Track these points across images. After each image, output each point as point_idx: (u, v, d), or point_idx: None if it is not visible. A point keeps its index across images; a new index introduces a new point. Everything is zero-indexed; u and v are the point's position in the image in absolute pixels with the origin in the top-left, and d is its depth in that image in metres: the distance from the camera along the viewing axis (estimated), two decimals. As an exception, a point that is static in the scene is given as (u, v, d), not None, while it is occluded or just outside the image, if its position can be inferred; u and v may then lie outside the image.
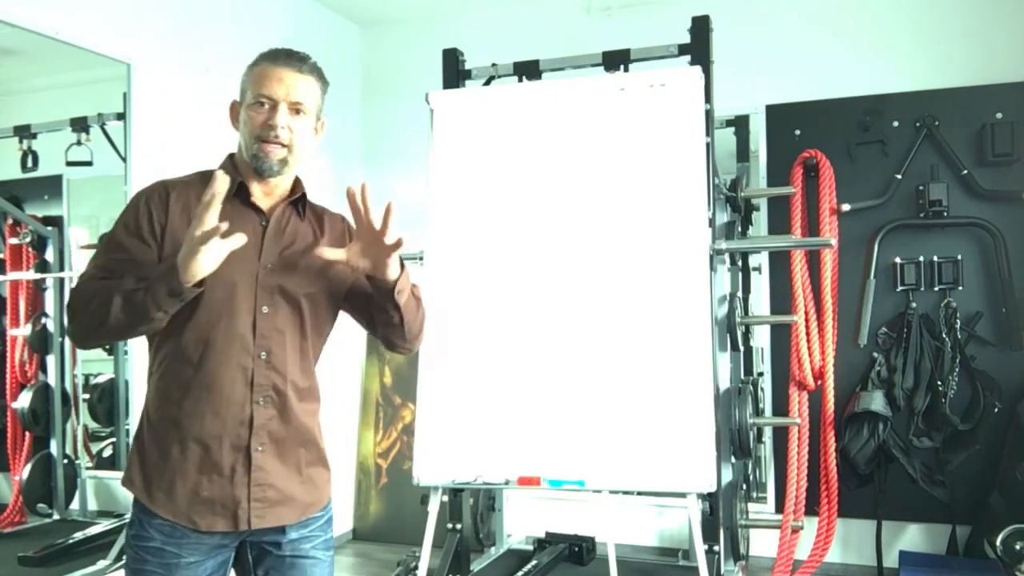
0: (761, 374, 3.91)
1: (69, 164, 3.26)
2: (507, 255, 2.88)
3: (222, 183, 1.39)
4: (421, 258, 2.95)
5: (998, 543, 3.23)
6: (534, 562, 3.37)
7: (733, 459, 3.22)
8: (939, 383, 3.51)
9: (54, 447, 3.34)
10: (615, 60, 3.11)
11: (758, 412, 3.70)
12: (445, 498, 3.15)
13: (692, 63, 2.95)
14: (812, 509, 3.62)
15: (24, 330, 3.30)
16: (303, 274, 1.62)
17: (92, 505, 3.41)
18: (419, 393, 2.88)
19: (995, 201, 3.54)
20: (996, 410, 3.45)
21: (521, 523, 3.95)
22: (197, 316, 1.52)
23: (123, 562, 3.00)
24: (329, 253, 1.57)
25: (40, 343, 3.33)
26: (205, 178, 1.61)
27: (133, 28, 3.19)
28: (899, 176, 3.64)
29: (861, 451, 3.50)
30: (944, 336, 3.54)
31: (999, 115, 3.54)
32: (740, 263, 3.67)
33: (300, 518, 1.63)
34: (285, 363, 1.59)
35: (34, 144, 3.23)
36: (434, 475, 2.80)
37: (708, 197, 2.77)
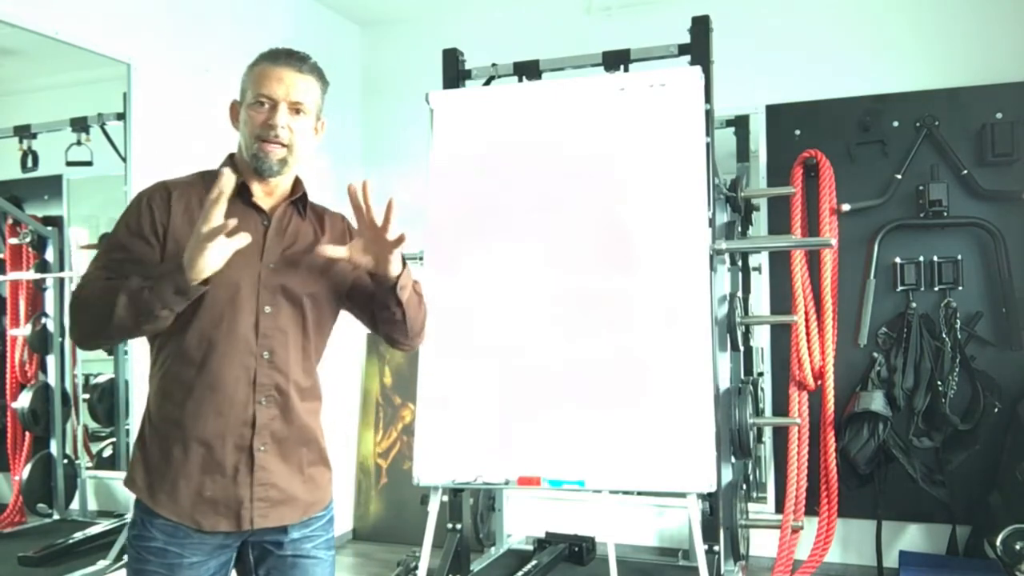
0: (761, 374, 3.91)
1: (69, 164, 3.26)
2: (507, 255, 2.88)
3: (228, 180, 1.39)
4: (421, 258, 2.95)
5: (998, 543, 3.23)
6: (534, 562, 3.37)
7: (733, 459, 3.22)
8: (939, 383, 3.51)
9: (54, 447, 3.34)
10: (615, 60, 3.11)
11: (758, 412, 3.70)
12: (445, 498, 3.15)
13: (692, 63, 2.94)
14: (812, 509, 3.62)
15: (24, 330, 3.30)
16: (305, 273, 1.62)
17: (92, 505, 3.41)
18: (419, 393, 2.88)
19: (995, 201, 3.54)
20: (996, 410, 3.46)
21: (521, 523, 3.95)
22: (200, 316, 1.51)
23: (123, 562, 3.01)
24: (331, 251, 1.57)
25: (40, 343, 3.33)
26: (205, 178, 1.62)
27: (133, 28, 3.19)
28: (899, 176, 3.64)
29: (861, 451, 3.50)
30: (944, 336, 3.54)
31: (999, 115, 3.54)
32: (740, 263, 3.67)
33: (302, 518, 1.63)
34: (288, 363, 1.59)
35: (34, 144, 3.23)
36: (434, 475, 2.80)
37: (708, 197, 2.77)
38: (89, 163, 3.25)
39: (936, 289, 3.60)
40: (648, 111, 2.85)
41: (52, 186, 3.35)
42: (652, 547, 3.97)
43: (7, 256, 3.28)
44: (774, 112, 3.87)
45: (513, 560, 3.52)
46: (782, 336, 3.78)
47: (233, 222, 1.40)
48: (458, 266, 2.91)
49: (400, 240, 1.53)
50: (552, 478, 2.70)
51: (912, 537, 3.66)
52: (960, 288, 3.57)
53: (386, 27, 4.60)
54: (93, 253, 3.37)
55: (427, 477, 2.80)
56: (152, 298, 1.42)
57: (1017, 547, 3.20)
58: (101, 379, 3.47)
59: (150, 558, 1.54)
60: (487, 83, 3.28)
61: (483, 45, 3.57)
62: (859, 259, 3.70)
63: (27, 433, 3.29)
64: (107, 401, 3.43)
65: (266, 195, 1.63)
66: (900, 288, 3.64)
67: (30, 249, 3.29)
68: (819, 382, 3.64)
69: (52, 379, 3.34)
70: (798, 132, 3.82)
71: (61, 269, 3.31)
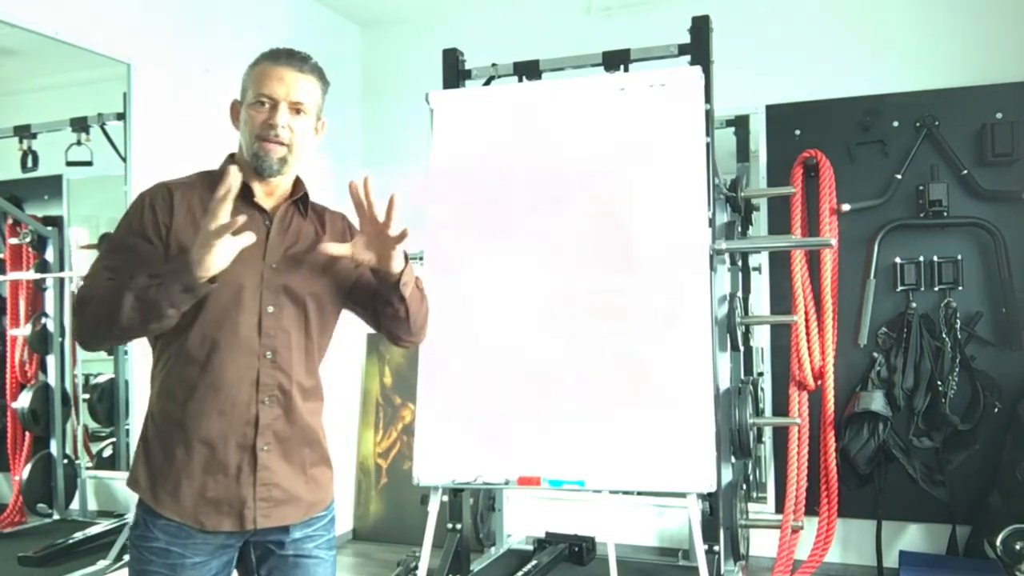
0: (761, 374, 3.91)
1: (69, 164, 3.26)
2: (507, 255, 2.88)
3: (235, 177, 1.39)
4: (421, 258, 2.94)
5: (998, 543, 3.23)
6: (534, 562, 3.37)
7: (733, 459, 3.22)
8: (939, 383, 3.51)
9: (54, 447, 3.34)
10: (615, 60, 3.10)
11: (758, 412, 3.70)
12: (445, 498, 3.15)
13: (692, 63, 2.94)
14: (812, 509, 3.62)
15: (24, 330, 3.30)
16: (308, 273, 1.62)
17: (92, 505, 3.41)
18: (419, 393, 2.88)
19: (995, 201, 3.54)
20: (996, 410, 3.46)
21: (521, 523, 3.95)
22: (203, 316, 1.52)
23: (123, 562, 3.01)
24: (334, 248, 1.58)
25: (40, 343, 3.33)
26: (205, 179, 1.62)
27: (133, 28, 3.19)
28: (899, 176, 3.64)
29: (861, 451, 3.50)
30: (944, 336, 3.54)
31: (999, 115, 3.54)
32: (740, 263, 3.67)
33: (304, 517, 1.63)
34: (290, 363, 1.59)
35: (34, 144, 3.23)
36: (434, 475, 2.80)
37: (708, 197, 2.76)
38: (89, 163, 3.25)
39: (936, 289, 3.60)
40: (648, 111, 2.85)
41: (52, 186, 3.35)
42: (652, 547, 3.97)
43: (7, 256, 3.28)
44: (774, 112, 3.87)
45: (513, 560, 3.52)
46: (782, 336, 3.78)
47: (242, 218, 1.41)
48: (458, 266, 2.91)
49: (403, 235, 1.53)
50: (552, 478, 2.70)
51: (912, 537, 3.66)
52: (960, 288, 3.57)
53: (386, 27, 4.60)
54: (93, 253, 3.38)
55: (427, 477, 2.80)
56: (160, 296, 1.41)
57: (1017, 547, 3.20)
58: (101, 379, 3.47)
59: (152, 558, 1.54)
60: (487, 83, 3.28)
61: (483, 45, 3.57)
62: (859, 259, 3.70)
63: (27, 433, 3.29)
64: (107, 401, 3.43)
65: (267, 195, 1.64)
66: (900, 288, 3.64)
67: (30, 249, 3.29)
68: (819, 382, 3.64)
69: (52, 379, 3.34)
70: (798, 132, 3.82)
71: (61, 269, 3.31)
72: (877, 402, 3.48)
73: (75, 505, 3.38)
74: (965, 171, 3.56)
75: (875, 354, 3.65)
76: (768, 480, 3.89)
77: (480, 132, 3.01)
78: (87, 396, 3.44)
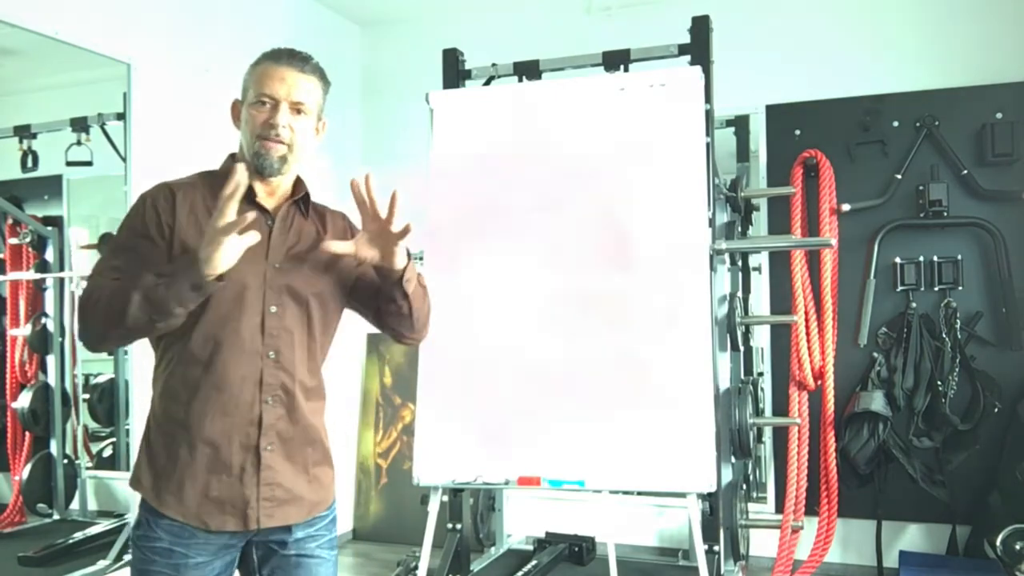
0: (761, 374, 3.91)
1: (69, 164, 3.26)
2: (507, 255, 2.88)
3: (243, 174, 1.40)
4: (421, 258, 2.94)
5: (998, 543, 3.23)
6: (534, 562, 3.37)
7: (733, 459, 3.22)
8: (939, 383, 3.51)
9: (54, 447, 3.34)
10: (615, 60, 3.10)
11: (758, 412, 3.70)
12: (445, 498, 3.15)
13: (692, 63, 2.94)
14: (812, 509, 3.62)
15: (24, 330, 3.30)
16: (310, 272, 1.62)
17: (92, 505, 3.41)
18: (419, 393, 2.88)
19: (995, 201, 3.54)
20: (996, 410, 3.46)
21: (521, 523, 3.95)
22: (206, 316, 1.52)
23: (123, 562, 3.01)
24: (336, 246, 1.58)
25: (40, 343, 3.33)
26: (207, 179, 1.63)
27: (133, 28, 3.19)
28: (899, 176, 3.64)
29: (861, 451, 3.50)
30: (944, 336, 3.54)
31: (999, 115, 3.54)
32: (740, 263, 3.67)
33: (307, 517, 1.63)
34: (293, 363, 1.59)
35: (34, 144, 3.24)
36: (434, 475, 2.80)
37: (708, 197, 2.77)
38: (89, 163, 3.25)
39: (936, 289, 3.60)
40: (648, 111, 2.85)
41: (52, 186, 3.35)
42: (652, 547, 3.97)
43: (7, 256, 3.28)
44: (774, 112, 3.87)
45: (513, 560, 3.52)
46: (782, 336, 3.78)
47: (252, 214, 1.41)
48: (458, 266, 2.91)
49: (406, 231, 1.54)
50: (552, 478, 2.70)
51: (912, 537, 3.66)
52: (960, 288, 3.57)
53: (386, 27, 4.60)
54: (93, 253, 3.37)
55: (427, 477, 2.80)
56: (168, 295, 1.42)
57: (1017, 547, 3.20)
58: (101, 379, 3.47)
59: (155, 558, 1.54)
60: (487, 83, 3.28)
61: (483, 45, 3.57)
62: (859, 259, 3.70)
63: (27, 433, 3.29)
64: (107, 401, 3.43)
65: (268, 195, 1.64)
66: (900, 288, 3.64)
67: (30, 249, 3.29)
68: (819, 382, 3.64)
69: (52, 379, 3.34)
70: (798, 132, 3.82)
71: (61, 269, 3.31)
72: (877, 402, 3.48)
73: (75, 505, 3.38)
74: (965, 171, 3.56)
75: (875, 354, 3.65)
76: (768, 480, 3.89)
77: (480, 132, 3.01)
78: (87, 396, 3.44)
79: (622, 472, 2.66)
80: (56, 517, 3.32)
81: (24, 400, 3.27)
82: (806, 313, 3.66)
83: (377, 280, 1.64)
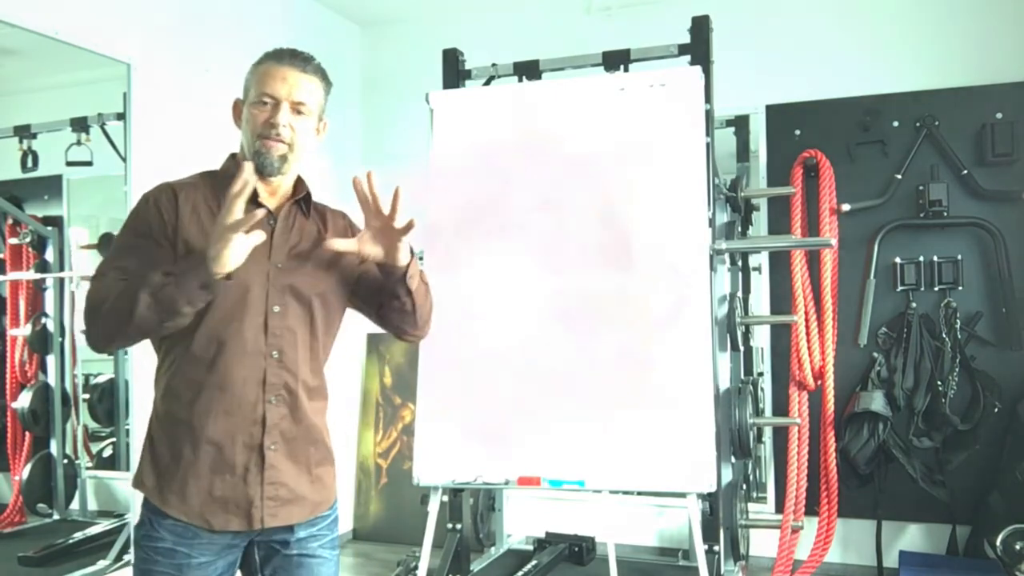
0: (761, 374, 3.91)
1: (69, 164, 3.26)
2: (507, 255, 2.88)
3: (250, 172, 1.40)
4: (421, 258, 2.94)
5: (998, 543, 3.23)
6: (534, 562, 3.37)
7: (733, 459, 3.22)
8: (939, 383, 3.51)
9: (54, 447, 3.34)
10: (615, 60, 3.11)
11: (758, 412, 3.70)
12: (445, 498, 3.15)
13: (692, 63, 2.95)
14: (812, 509, 3.63)
15: (24, 330, 3.30)
16: (313, 272, 1.63)
17: (92, 505, 3.41)
18: (419, 393, 2.88)
19: (995, 201, 3.54)
20: (996, 410, 3.46)
21: (521, 523, 3.95)
22: (209, 316, 1.52)
23: (123, 562, 3.01)
24: (339, 244, 1.59)
25: (40, 343, 3.33)
26: (208, 179, 1.63)
27: (133, 28, 3.19)
28: (899, 176, 3.64)
29: (861, 451, 3.50)
30: (944, 336, 3.54)
31: (999, 115, 3.54)
32: (740, 263, 3.67)
33: (309, 516, 1.63)
34: (296, 362, 1.59)
35: (34, 144, 3.23)
36: (434, 475, 2.80)
37: (708, 197, 2.77)
38: (89, 163, 3.25)
39: (936, 289, 3.60)
40: (648, 111, 2.85)
41: (52, 186, 3.35)
42: (652, 547, 3.97)
43: (7, 256, 3.28)
44: (774, 112, 3.87)
45: (513, 560, 3.52)
46: (782, 336, 3.78)
47: (261, 212, 1.42)
48: (458, 266, 2.91)
49: (409, 226, 1.54)
50: (552, 478, 2.70)
51: (912, 537, 3.66)
52: (960, 288, 3.57)
53: (386, 27, 4.60)
54: (93, 253, 3.37)
55: (427, 477, 2.80)
56: (176, 294, 1.42)
57: (1017, 547, 3.20)
58: (101, 379, 3.47)
59: (159, 558, 1.54)
60: (487, 83, 3.28)
61: (483, 45, 3.57)
62: (859, 259, 3.70)
63: (27, 433, 3.29)
64: (107, 401, 3.43)
65: (270, 195, 1.64)
66: (900, 288, 3.64)
67: (30, 249, 3.29)
68: (819, 382, 3.64)
69: (52, 379, 3.34)
70: (798, 132, 3.82)
71: (61, 269, 3.31)
72: (877, 402, 3.48)
73: (75, 505, 3.38)
74: (965, 171, 3.56)
75: (875, 354, 3.65)
76: (768, 480, 3.89)
77: (480, 132, 3.01)
78: (87, 396, 3.44)
79: (622, 472, 2.66)
80: (56, 517, 3.32)
81: (24, 400, 3.26)
82: (806, 313, 3.66)
83: (379, 278, 1.65)
